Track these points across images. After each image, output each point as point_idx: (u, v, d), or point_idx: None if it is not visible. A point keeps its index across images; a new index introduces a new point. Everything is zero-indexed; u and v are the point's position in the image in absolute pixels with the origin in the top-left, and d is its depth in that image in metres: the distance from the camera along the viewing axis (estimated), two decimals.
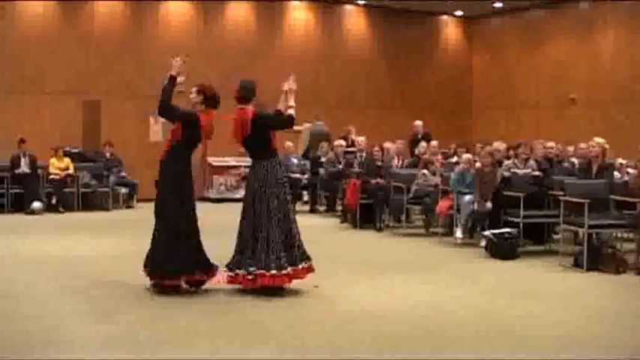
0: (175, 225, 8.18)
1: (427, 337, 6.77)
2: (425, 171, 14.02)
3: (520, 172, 12.55)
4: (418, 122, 18.86)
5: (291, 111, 8.56)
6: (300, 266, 8.40)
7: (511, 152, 14.03)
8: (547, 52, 22.14)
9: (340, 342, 6.58)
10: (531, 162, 12.87)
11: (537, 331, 7.04)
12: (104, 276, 9.37)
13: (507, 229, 11.36)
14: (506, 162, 13.17)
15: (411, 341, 6.65)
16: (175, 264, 8.12)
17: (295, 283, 8.54)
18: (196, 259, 8.29)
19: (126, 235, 13.38)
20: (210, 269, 8.40)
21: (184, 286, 8.37)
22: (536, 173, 12.58)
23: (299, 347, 6.42)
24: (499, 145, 13.79)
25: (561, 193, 11.27)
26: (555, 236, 12.60)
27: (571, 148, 15.87)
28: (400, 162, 15.77)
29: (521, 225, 11.50)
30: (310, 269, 8.56)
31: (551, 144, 15.08)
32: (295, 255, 8.37)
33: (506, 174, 12.52)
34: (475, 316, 7.61)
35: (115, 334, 6.69)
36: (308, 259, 8.55)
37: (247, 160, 9.18)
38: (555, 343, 6.67)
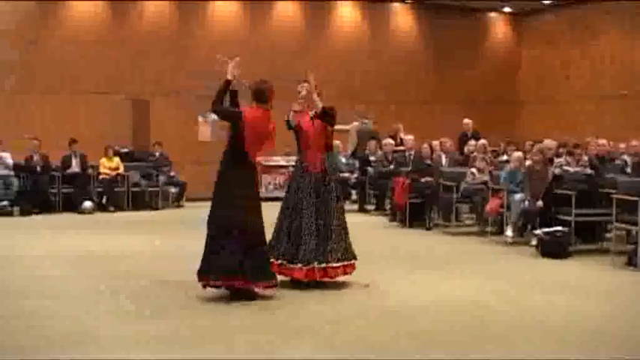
0: (208, 226, 8.07)
1: (482, 336, 6.71)
2: (474, 170, 13.91)
3: (571, 169, 12.40)
4: (467, 120, 18.73)
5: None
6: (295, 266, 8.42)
7: (561, 150, 13.87)
8: (598, 47, 21.82)
9: (383, 339, 6.56)
10: (584, 159, 12.71)
11: (590, 331, 6.96)
12: (148, 274, 9.43)
13: (559, 228, 11.22)
14: (558, 160, 13.02)
15: (465, 339, 6.60)
16: (203, 264, 8.01)
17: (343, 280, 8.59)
18: (221, 264, 7.87)
19: (174, 234, 13.46)
20: (249, 278, 7.91)
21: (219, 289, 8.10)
22: (588, 171, 12.42)
23: (338, 346, 6.39)
24: (550, 143, 13.64)
25: (613, 190, 11.12)
26: (608, 235, 12.41)
27: (623, 145, 15.66)
28: (447, 160, 15.66)
29: (572, 223, 11.37)
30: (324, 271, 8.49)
31: (602, 141, 14.89)
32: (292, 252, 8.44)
33: (557, 171, 12.38)
34: (531, 314, 7.54)
35: (158, 332, 6.72)
36: (323, 260, 8.49)
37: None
38: (608, 343, 6.59)
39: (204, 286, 8.00)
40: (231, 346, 6.29)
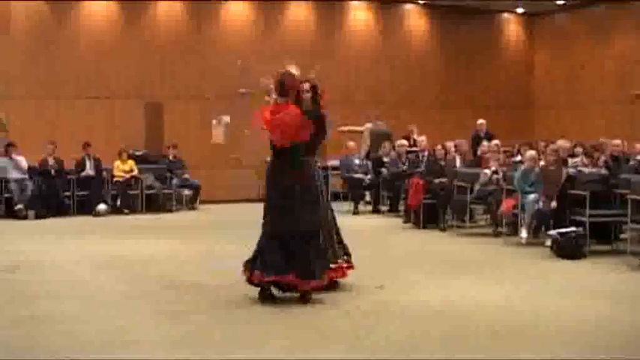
0: (265, 227, 8.03)
1: (498, 338, 6.70)
2: (487, 171, 13.88)
3: (586, 170, 12.36)
4: (481, 121, 18.66)
5: None
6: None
7: (577, 150, 13.82)
8: (613, 48, 21.72)
9: (410, 342, 6.55)
10: (601, 160, 12.67)
11: (609, 333, 6.94)
12: (173, 277, 9.47)
13: (573, 229, 11.19)
14: (574, 159, 12.99)
15: (481, 342, 6.58)
16: (254, 260, 7.96)
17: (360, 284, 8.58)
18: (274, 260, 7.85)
19: (191, 236, 13.49)
20: (304, 276, 7.86)
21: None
22: (603, 172, 12.38)
23: (370, 347, 6.40)
24: (563, 143, 13.60)
25: (628, 191, 11.08)
26: (622, 235, 12.36)
27: (639, 145, 15.61)
28: (461, 161, 15.60)
29: (587, 224, 11.33)
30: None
31: (617, 142, 14.85)
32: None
33: (572, 172, 12.34)
34: (545, 316, 7.50)
35: (187, 334, 6.76)
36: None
37: None
38: (627, 345, 6.56)
39: (250, 281, 7.96)
40: (263, 350, 6.30)
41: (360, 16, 22.09)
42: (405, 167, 16.43)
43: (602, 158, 12.75)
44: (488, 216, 14.30)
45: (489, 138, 17.00)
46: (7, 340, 6.58)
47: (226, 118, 19.02)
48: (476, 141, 17.82)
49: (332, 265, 8.35)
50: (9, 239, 13.19)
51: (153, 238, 13.25)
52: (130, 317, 7.42)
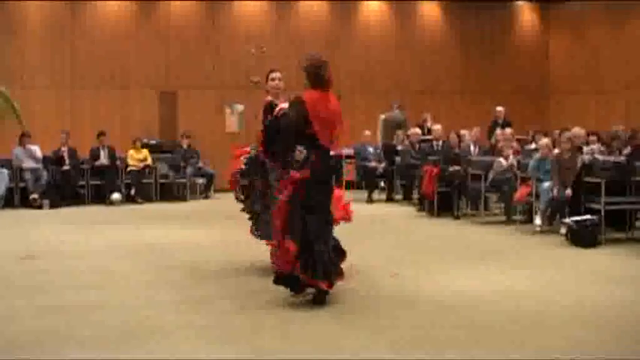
0: None
1: (523, 326, 6.66)
2: (500, 159, 13.83)
3: (601, 157, 12.29)
4: (499, 108, 18.52)
5: None
6: None
7: (591, 138, 13.75)
8: (630, 34, 21.55)
9: (435, 331, 6.52)
10: (624, 151, 12.59)
11: (633, 319, 6.92)
12: (195, 265, 9.43)
13: (588, 216, 11.13)
14: (591, 147, 12.92)
15: (507, 330, 6.56)
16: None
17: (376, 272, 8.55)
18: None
19: (208, 225, 13.50)
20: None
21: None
22: (619, 159, 12.30)
23: (392, 337, 6.36)
24: (578, 131, 13.54)
25: None
26: (638, 223, 12.30)
27: None
28: (477, 149, 15.55)
29: (602, 212, 11.27)
30: None
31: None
32: None
33: (587, 157, 12.26)
34: (569, 304, 7.46)
35: (210, 323, 6.76)
36: None
37: None
38: None
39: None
40: (288, 339, 6.27)
41: (374, 6, 22.01)
42: (417, 156, 16.34)
43: (629, 149, 12.60)
44: (503, 204, 14.26)
45: (507, 125, 16.91)
46: (33, 330, 6.58)
47: (240, 107, 19.02)
48: (494, 128, 17.74)
49: None
50: (26, 228, 13.24)
51: (170, 227, 13.26)
52: (154, 306, 7.41)
